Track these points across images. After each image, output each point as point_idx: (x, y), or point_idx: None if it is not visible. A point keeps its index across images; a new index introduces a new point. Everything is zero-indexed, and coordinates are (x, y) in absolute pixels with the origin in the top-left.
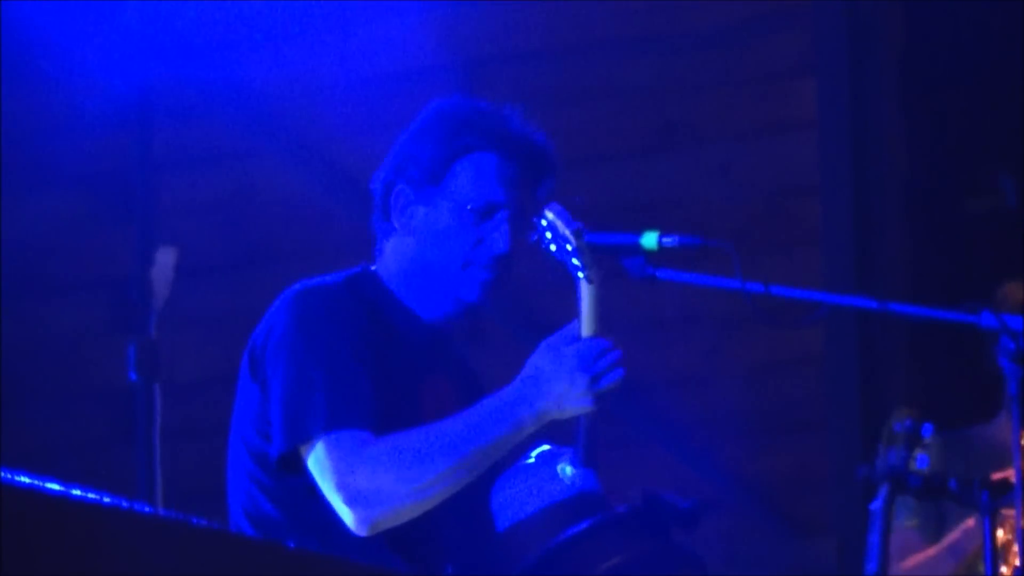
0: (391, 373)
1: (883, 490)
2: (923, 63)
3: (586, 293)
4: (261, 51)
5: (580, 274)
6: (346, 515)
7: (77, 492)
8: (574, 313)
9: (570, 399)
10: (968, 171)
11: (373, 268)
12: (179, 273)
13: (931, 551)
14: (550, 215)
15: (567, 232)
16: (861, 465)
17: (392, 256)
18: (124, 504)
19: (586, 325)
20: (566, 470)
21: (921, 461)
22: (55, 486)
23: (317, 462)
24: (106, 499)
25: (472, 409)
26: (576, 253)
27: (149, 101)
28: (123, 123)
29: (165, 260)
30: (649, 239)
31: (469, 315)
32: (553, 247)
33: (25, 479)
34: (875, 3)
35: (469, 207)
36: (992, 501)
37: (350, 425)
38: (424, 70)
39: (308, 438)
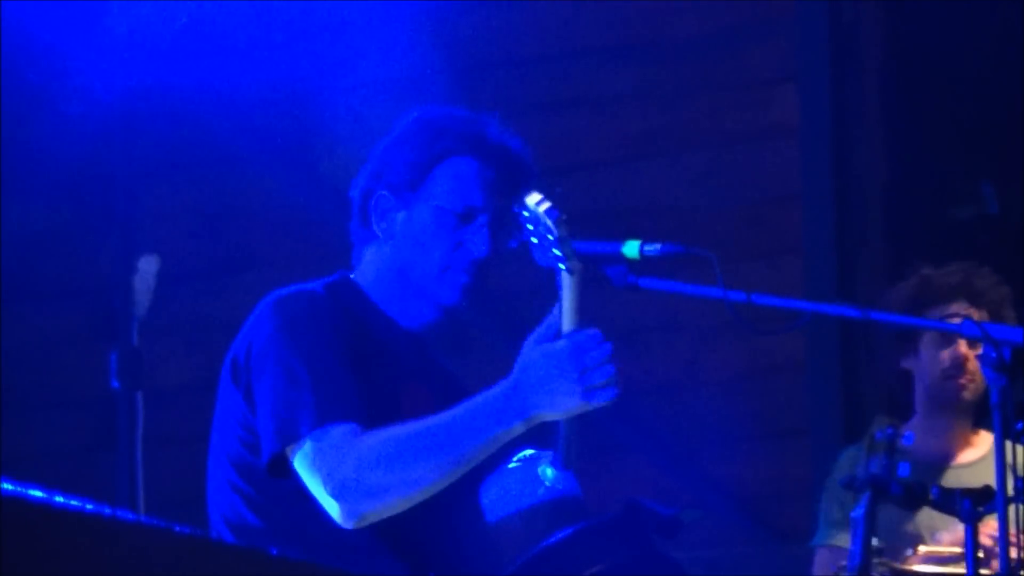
0: (371, 379)
1: (865, 498)
2: (904, 70)
3: (567, 284)
4: (244, 59)
5: (561, 265)
6: (332, 508)
7: (59, 499)
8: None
9: (561, 396)
10: (950, 179)
11: (352, 276)
12: (161, 280)
13: None
14: (531, 203)
15: (548, 221)
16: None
17: (371, 262)
18: (106, 511)
19: (567, 317)
20: (547, 472)
21: (903, 469)
22: (37, 492)
23: (304, 458)
24: (88, 506)
25: (464, 405)
26: (557, 243)
27: (132, 108)
28: (106, 130)
29: (147, 268)
30: (631, 248)
31: (448, 319)
32: (534, 239)
33: (7, 486)
34: (856, 10)
35: (449, 210)
36: (974, 509)
37: (338, 419)
38: (408, 78)
39: (297, 438)
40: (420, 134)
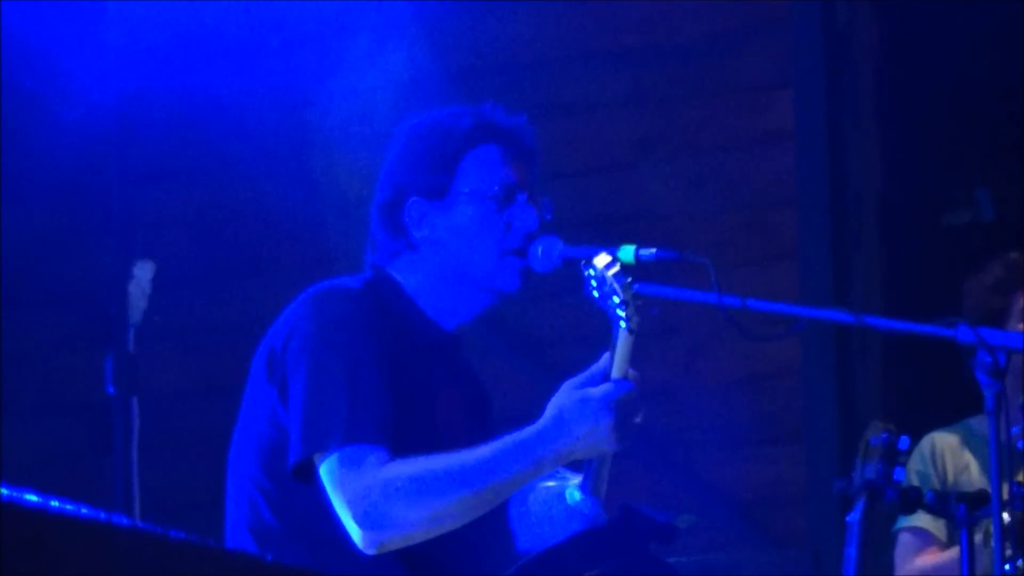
0: (407, 381)
1: (860, 503)
2: (899, 76)
3: (623, 341)
4: (241, 63)
5: (623, 324)
6: (355, 533)
7: (55, 504)
8: (555, 328)
9: (593, 440)
10: (944, 184)
11: (391, 272)
12: (157, 286)
13: (946, 554)
14: (599, 264)
15: (615, 285)
16: (838, 479)
17: (413, 268)
18: (102, 516)
19: (618, 367)
20: (574, 495)
21: (898, 474)
22: (33, 497)
23: (330, 473)
24: (84, 511)
25: (494, 443)
26: (622, 305)
27: (128, 113)
28: (102, 135)
29: (143, 273)
30: (626, 253)
31: (495, 304)
32: (596, 294)
33: (3, 490)
34: (851, 16)
35: (489, 197)
36: (969, 513)
37: (368, 441)
38: (405, 83)
39: (325, 448)
40: (432, 136)
